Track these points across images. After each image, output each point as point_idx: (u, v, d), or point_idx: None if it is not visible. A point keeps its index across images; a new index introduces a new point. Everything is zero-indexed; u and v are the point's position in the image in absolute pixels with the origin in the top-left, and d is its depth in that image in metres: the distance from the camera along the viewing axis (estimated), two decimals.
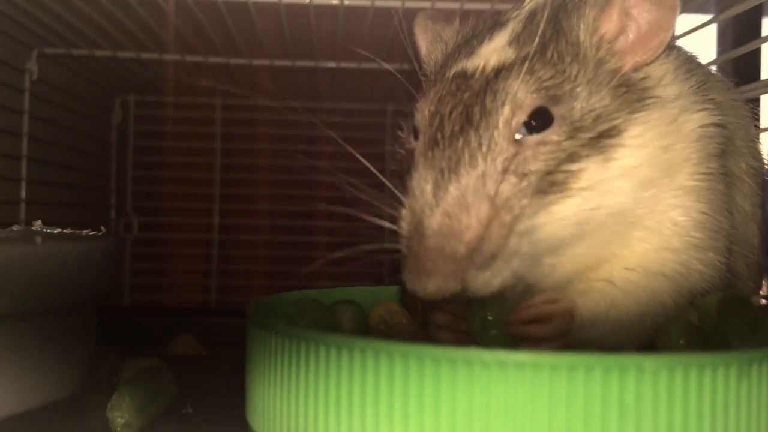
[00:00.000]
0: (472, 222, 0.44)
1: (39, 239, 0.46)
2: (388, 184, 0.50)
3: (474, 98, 0.47)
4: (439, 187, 0.45)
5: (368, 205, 0.51)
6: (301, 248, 1.48)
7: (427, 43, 0.61)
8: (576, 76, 0.48)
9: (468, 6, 0.94)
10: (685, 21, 0.86)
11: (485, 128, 0.46)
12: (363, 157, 0.54)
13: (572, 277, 0.50)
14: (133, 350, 0.76)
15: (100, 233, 0.57)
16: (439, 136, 0.47)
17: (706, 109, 0.51)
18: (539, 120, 0.46)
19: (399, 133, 0.58)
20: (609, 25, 0.50)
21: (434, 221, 0.44)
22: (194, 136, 1.50)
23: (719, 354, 0.37)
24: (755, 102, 0.91)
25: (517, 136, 0.46)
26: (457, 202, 0.44)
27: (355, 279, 0.70)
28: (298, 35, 1.15)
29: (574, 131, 0.46)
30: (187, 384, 0.65)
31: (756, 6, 0.73)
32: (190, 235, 1.51)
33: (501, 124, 0.46)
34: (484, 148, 0.45)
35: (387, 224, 0.48)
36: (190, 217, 1.50)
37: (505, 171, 0.45)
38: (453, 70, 0.50)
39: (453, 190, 0.45)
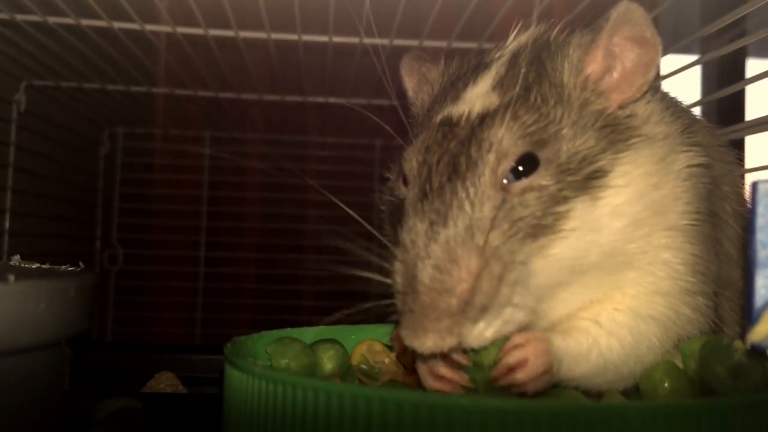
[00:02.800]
0: (462, 275, 0.44)
1: (12, 277, 0.45)
2: (378, 235, 0.50)
3: (460, 147, 0.47)
4: (429, 240, 0.45)
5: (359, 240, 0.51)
6: (288, 282, 1.47)
7: (414, 84, 0.61)
8: (561, 119, 0.48)
9: (455, 45, 0.95)
10: (669, 62, 0.87)
11: (472, 178, 0.46)
12: (352, 191, 0.54)
13: (564, 318, 0.50)
14: (112, 388, 0.75)
15: (78, 269, 0.56)
16: (427, 186, 0.47)
17: (692, 150, 0.51)
18: (526, 165, 0.46)
19: (387, 175, 0.58)
20: (594, 65, 0.50)
21: (426, 276, 0.44)
22: (182, 169, 1.50)
23: (702, 402, 0.37)
24: (740, 143, 0.92)
25: (505, 181, 0.46)
26: (447, 255, 0.44)
27: (342, 312, 0.69)
28: (288, 70, 1.16)
29: (561, 174, 0.46)
30: (164, 425, 0.63)
31: (740, 48, 0.74)
32: (175, 268, 1.50)
33: (487, 173, 0.46)
34: (472, 198, 0.45)
35: (378, 277, 0.48)
36: (177, 249, 1.50)
37: (493, 219, 0.45)
38: (439, 116, 0.51)
39: (442, 242, 0.44)
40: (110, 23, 0.92)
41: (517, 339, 0.45)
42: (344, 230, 0.51)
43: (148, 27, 0.95)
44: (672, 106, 0.54)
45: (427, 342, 0.44)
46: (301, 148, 1.50)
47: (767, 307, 0.41)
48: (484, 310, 0.44)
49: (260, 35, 0.97)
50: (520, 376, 0.44)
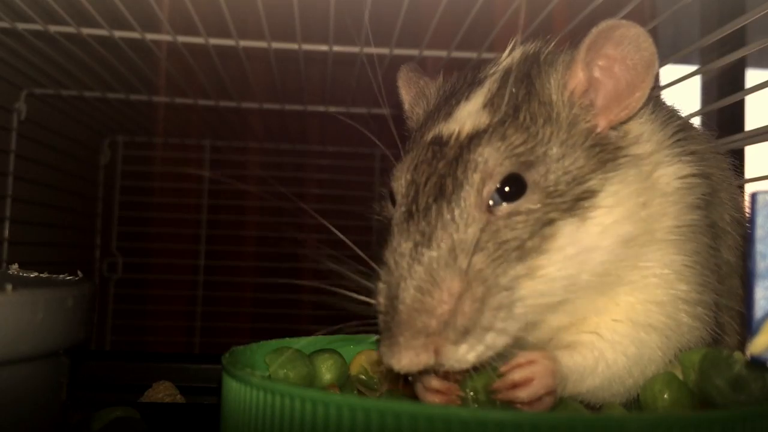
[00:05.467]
0: (443, 297, 0.44)
1: (9, 286, 0.45)
2: (368, 260, 0.49)
3: (447, 168, 0.47)
4: (413, 261, 0.45)
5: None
6: (287, 291, 1.46)
7: (411, 98, 0.61)
8: (549, 138, 0.47)
9: (455, 55, 0.96)
10: (669, 72, 0.87)
11: (457, 200, 0.46)
12: (351, 200, 0.54)
13: (557, 332, 0.49)
14: (110, 397, 0.75)
15: (77, 278, 0.56)
16: (414, 207, 0.47)
17: (682, 160, 0.51)
18: (512, 186, 0.46)
19: (382, 191, 0.58)
20: (575, 81, 0.49)
21: (408, 296, 0.44)
22: (182, 177, 1.50)
23: (702, 414, 0.36)
24: (739, 153, 0.92)
25: (491, 203, 0.46)
26: (429, 276, 0.44)
27: (341, 321, 0.69)
28: (288, 79, 1.16)
29: (548, 197, 0.46)
30: None
31: (740, 58, 0.74)
32: (175, 277, 1.49)
33: (472, 195, 0.46)
34: (456, 220, 0.45)
35: (363, 298, 0.48)
36: (176, 258, 1.49)
37: (477, 242, 0.45)
38: (430, 134, 0.50)
39: (426, 263, 0.44)
40: (111, 32, 0.93)
41: (526, 356, 0.45)
42: (341, 248, 0.51)
43: (149, 36, 0.95)
44: (666, 116, 0.53)
45: (403, 360, 0.43)
46: (301, 157, 1.50)
47: (767, 318, 0.40)
48: (465, 332, 0.44)
49: (261, 44, 0.98)
50: (523, 394, 0.44)
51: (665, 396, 0.47)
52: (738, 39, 1.01)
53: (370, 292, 0.48)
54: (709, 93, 1.15)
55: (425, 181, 0.47)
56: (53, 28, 0.92)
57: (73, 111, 1.24)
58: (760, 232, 0.41)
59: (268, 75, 1.11)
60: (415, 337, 0.43)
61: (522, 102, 0.49)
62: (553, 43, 0.55)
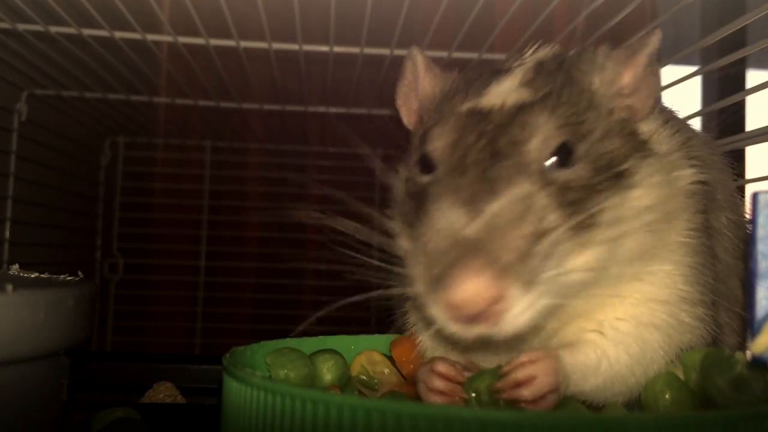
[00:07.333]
0: (518, 234, 0.42)
1: (10, 287, 0.45)
2: (368, 259, 0.48)
3: (499, 130, 0.47)
4: (475, 209, 0.43)
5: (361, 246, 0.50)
6: (288, 291, 1.46)
7: (429, 78, 0.59)
8: (592, 121, 0.49)
9: (456, 55, 0.96)
10: (670, 72, 0.87)
11: (518, 157, 0.45)
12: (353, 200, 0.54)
13: (564, 324, 0.49)
14: (110, 398, 0.75)
15: (77, 279, 0.56)
16: (466, 163, 0.46)
17: (694, 166, 0.52)
18: (563, 155, 0.46)
19: (403, 166, 0.57)
20: (628, 80, 0.51)
21: (475, 231, 0.42)
22: (183, 178, 1.50)
23: (703, 414, 0.36)
24: (740, 153, 0.92)
25: (546, 164, 0.46)
26: (500, 218, 0.42)
27: (342, 323, 0.69)
28: (289, 80, 1.16)
29: (595, 170, 0.47)
30: None
31: (740, 59, 0.74)
32: (176, 277, 1.49)
33: (532, 155, 0.46)
34: (518, 176, 0.44)
35: (379, 270, 0.48)
36: (177, 259, 1.49)
37: (539, 200, 0.44)
38: (464, 106, 0.50)
39: (495, 208, 0.43)
40: (111, 33, 0.93)
41: (527, 355, 0.45)
42: (344, 238, 0.51)
43: (150, 36, 0.95)
44: (671, 120, 0.56)
45: (470, 287, 0.40)
46: (302, 158, 1.50)
47: None
48: (530, 282, 0.41)
49: (261, 45, 0.98)
50: (526, 393, 0.44)
51: (666, 396, 0.47)
52: (738, 39, 1.01)
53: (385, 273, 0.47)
54: (709, 93, 1.15)
55: (475, 140, 0.47)
56: (54, 29, 0.92)
57: (74, 112, 1.24)
58: (761, 232, 0.41)
59: (269, 75, 1.11)
60: (490, 264, 0.40)
61: (562, 87, 0.50)
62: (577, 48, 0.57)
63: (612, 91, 0.51)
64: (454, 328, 0.42)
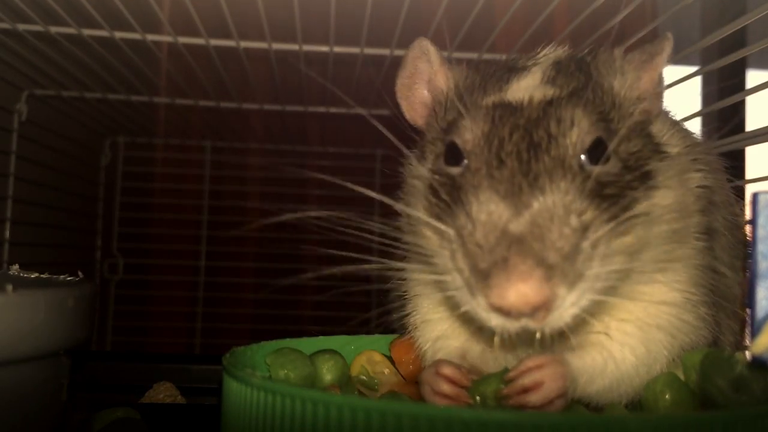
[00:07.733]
0: (564, 231, 0.42)
1: (10, 287, 0.45)
2: (367, 258, 0.49)
3: (533, 124, 0.47)
4: (518, 202, 0.43)
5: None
6: (288, 292, 1.46)
7: (443, 70, 0.58)
8: (617, 121, 0.49)
9: (456, 55, 0.95)
10: (670, 72, 0.87)
11: (557, 150, 0.45)
12: (352, 201, 0.53)
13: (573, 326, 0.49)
14: (110, 398, 0.75)
15: (77, 279, 0.56)
16: (503, 155, 0.46)
17: (702, 170, 0.53)
18: (597, 151, 0.47)
19: (414, 157, 0.56)
20: (648, 84, 0.52)
21: (522, 227, 0.42)
22: (183, 178, 1.50)
23: (704, 414, 0.36)
24: (740, 154, 0.92)
25: (582, 157, 0.46)
26: (546, 213, 0.43)
27: (342, 322, 0.69)
28: (289, 80, 1.16)
29: (625, 168, 0.47)
30: None
31: (740, 59, 0.74)
32: (176, 278, 1.49)
33: (570, 149, 0.46)
34: (560, 169, 0.45)
35: (384, 263, 0.48)
36: (177, 259, 1.49)
37: (581, 194, 0.44)
38: (489, 100, 0.50)
39: (541, 202, 0.43)
40: (112, 33, 0.93)
41: (534, 360, 0.45)
42: (345, 237, 0.51)
43: (150, 37, 0.95)
44: (673, 123, 0.56)
45: (522, 290, 0.40)
46: (302, 158, 1.50)
47: None
48: (579, 277, 0.42)
49: (261, 45, 0.98)
50: (534, 399, 0.44)
51: (666, 396, 0.47)
52: (739, 40, 1.01)
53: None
54: (709, 94, 1.15)
55: (510, 133, 0.46)
56: (54, 29, 0.92)
57: (74, 112, 1.24)
58: (761, 232, 0.41)
59: (269, 76, 1.11)
60: (538, 265, 0.40)
61: (585, 86, 0.50)
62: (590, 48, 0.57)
63: (632, 95, 0.52)
64: (496, 321, 0.42)
